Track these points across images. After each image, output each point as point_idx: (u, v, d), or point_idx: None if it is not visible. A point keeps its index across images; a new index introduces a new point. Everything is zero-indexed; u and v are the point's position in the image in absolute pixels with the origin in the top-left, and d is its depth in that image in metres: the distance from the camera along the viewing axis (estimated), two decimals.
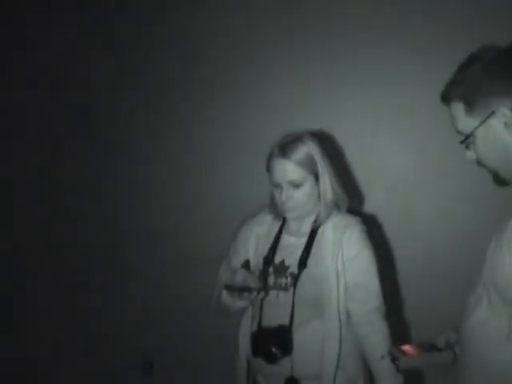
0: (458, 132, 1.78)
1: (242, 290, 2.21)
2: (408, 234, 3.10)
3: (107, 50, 3.70)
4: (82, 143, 3.81)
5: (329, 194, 2.34)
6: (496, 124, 1.72)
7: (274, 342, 2.27)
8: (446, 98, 1.77)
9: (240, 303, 2.28)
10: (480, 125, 1.72)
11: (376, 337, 2.27)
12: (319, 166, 2.31)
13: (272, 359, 2.27)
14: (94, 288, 3.85)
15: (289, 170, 2.28)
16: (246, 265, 2.43)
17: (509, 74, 1.70)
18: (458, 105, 1.74)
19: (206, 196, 3.59)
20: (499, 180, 1.82)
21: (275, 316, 2.32)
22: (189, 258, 3.60)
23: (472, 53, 1.77)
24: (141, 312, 3.79)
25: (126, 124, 3.74)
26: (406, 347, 1.94)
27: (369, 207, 3.14)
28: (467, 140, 1.76)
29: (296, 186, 2.29)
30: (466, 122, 1.74)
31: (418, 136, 3.07)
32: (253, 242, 2.47)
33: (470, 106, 1.72)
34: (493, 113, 1.70)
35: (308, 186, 2.31)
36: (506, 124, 1.71)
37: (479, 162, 1.80)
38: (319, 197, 2.35)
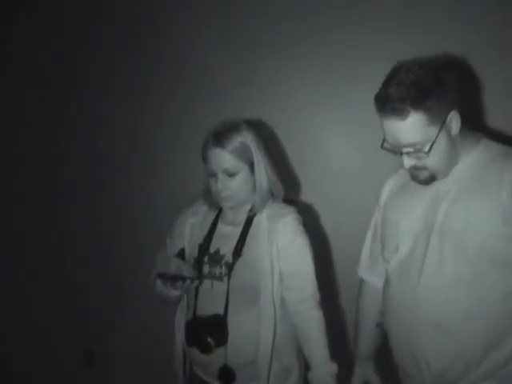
0: (410, 144, 1.81)
1: (175, 278, 2.20)
2: (345, 223, 3.13)
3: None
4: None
5: (264, 184, 2.34)
6: (449, 127, 1.82)
7: (209, 331, 2.26)
8: (400, 111, 1.76)
9: (174, 292, 2.28)
10: (441, 130, 1.80)
11: (310, 324, 2.29)
12: (254, 155, 2.31)
13: (206, 349, 2.26)
14: (32, 276, 3.84)
15: (224, 158, 2.27)
16: (181, 254, 2.42)
17: (448, 80, 1.80)
18: (418, 115, 1.76)
19: (152, 192, 3.62)
20: (430, 180, 1.91)
21: (210, 305, 2.31)
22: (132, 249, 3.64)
23: (398, 65, 1.82)
24: (82, 302, 3.76)
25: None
26: None
27: (306, 197, 3.16)
28: (423, 148, 1.81)
29: (231, 174, 2.29)
30: (427, 131, 1.79)
31: (356, 126, 3.10)
32: (188, 231, 2.47)
33: (432, 114, 1.77)
34: (447, 116, 1.80)
35: (243, 175, 2.31)
36: (455, 125, 1.83)
37: (416, 168, 1.88)
38: (255, 186, 2.35)
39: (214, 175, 2.31)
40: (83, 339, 3.83)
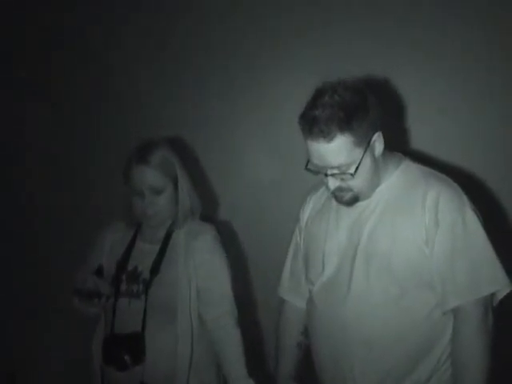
0: (336, 166, 1.79)
1: (91, 295, 2.18)
2: (263, 240, 3.16)
3: None
4: None
5: (186, 201, 2.35)
6: (373, 148, 1.83)
7: (126, 349, 2.24)
8: (327, 134, 1.74)
9: (90, 309, 2.26)
10: (365, 152, 1.80)
11: (228, 341, 2.30)
12: (178, 171, 2.32)
13: (123, 367, 2.24)
14: None
15: (149, 175, 2.27)
16: (100, 271, 2.39)
17: (372, 101, 1.81)
18: (344, 137, 1.75)
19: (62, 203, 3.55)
20: (353, 201, 1.90)
21: (128, 323, 2.29)
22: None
23: (323, 86, 1.80)
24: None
25: None
26: None
27: (223, 213, 3.19)
28: (348, 169, 1.80)
29: (158, 192, 2.28)
30: (353, 152, 1.78)
31: (277, 142, 3.15)
32: (107, 249, 2.45)
33: (358, 136, 1.76)
34: (372, 137, 1.81)
35: (168, 191, 2.31)
36: (378, 146, 1.84)
37: (341, 189, 1.86)
38: (176, 203, 2.35)
39: (139, 193, 2.29)
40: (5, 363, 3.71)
